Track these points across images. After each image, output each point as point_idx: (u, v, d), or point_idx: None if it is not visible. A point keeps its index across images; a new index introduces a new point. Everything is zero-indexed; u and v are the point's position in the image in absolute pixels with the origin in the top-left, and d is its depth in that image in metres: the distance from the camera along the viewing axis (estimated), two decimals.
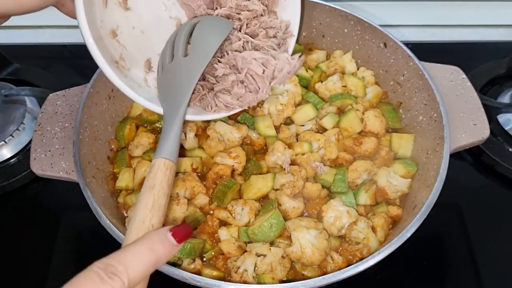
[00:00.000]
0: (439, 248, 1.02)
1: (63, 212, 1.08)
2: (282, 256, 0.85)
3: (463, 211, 1.07)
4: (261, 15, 0.87)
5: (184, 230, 0.52)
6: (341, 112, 1.06)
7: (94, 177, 0.90)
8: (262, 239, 0.86)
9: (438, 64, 1.03)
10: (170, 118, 0.72)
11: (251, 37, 0.84)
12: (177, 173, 0.97)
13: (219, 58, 0.82)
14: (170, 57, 0.77)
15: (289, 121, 1.05)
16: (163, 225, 0.56)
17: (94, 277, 0.42)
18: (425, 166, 0.94)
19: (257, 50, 0.83)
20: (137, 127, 1.06)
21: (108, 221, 0.79)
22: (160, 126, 1.05)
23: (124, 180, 0.95)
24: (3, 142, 1.12)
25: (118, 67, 0.78)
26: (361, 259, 0.80)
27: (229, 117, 0.99)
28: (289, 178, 0.92)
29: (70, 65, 1.38)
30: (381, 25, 1.06)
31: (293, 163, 0.96)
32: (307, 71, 1.13)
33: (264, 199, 0.93)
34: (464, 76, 1.02)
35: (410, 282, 0.99)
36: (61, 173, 0.89)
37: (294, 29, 0.91)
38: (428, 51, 1.36)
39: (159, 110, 0.77)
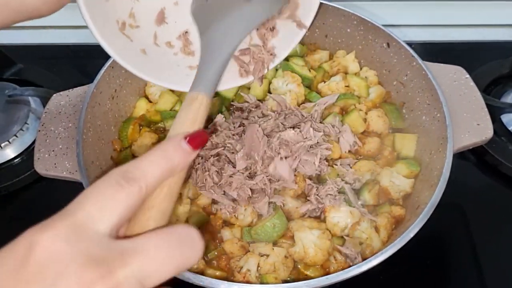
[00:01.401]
0: (442, 248, 1.02)
1: None
2: (285, 256, 0.85)
3: (466, 211, 1.07)
4: None
5: (200, 137, 0.51)
6: (344, 112, 1.06)
7: (97, 177, 0.89)
8: (265, 239, 0.86)
9: (441, 64, 1.03)
10: (215, 49, 0.65)
11: None
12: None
13: None
14: None
15: None
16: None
17: (113, 182, 0.42)
18: (428, 166, 0.94)
19: None
20: (140, 127, 1.06)
21: None
22: (163, 126, 1.05)
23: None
24: (7, 142, 1.12)
25: (124, 32, 0.72)
26: (364, 259, 0.80)
27: None
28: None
29: (73, 65, 1.38)
30: (384, 25, 1.06)
31: None
32: (309, 71, 1.13)
33: None
34: (468, 76, 1.01)
35: (413, 282, 0.99)
36: (64, 173, 0.89)
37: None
38: (431, 51, 1.36)
39: (172, 86, 0.71)
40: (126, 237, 0.43)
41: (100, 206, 0.40)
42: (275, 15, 0.78)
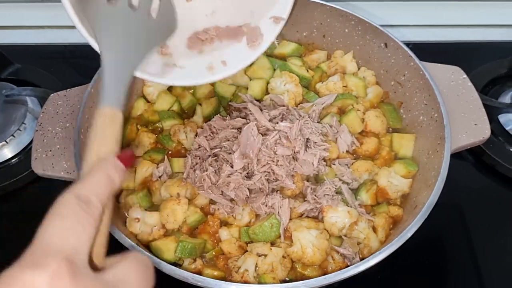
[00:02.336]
0: (440, 248, 1.02)
1: None
2: (283, 256, 0.85)
3: (464, 211, 1.07)
4: None
5: (131, 156, 0.55)
6: (342, 112, 1.06)
7: None
8: (263, 239, 0.86)
9: (439, 64, 1.03)
10: (118, 63, 0.65)
11: None
12: (178, 173, 0.97)
13: None
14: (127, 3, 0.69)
15: None
16: None
17: (76, 209, 0.44)
18: (426, 166, 0.94)
19: None
20: (138, 127, 1.06)
21: None
22: (161, 126, 1.05)
23: (125, 180, 0.95)
24: (4, 142, 1.12)
25: None
26: (362, 259, 0.80)
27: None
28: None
29: (71, 65, 1.38)
30: (382, 25, 1.06)
31: None
32: (307, 71, 1.13)
33: None
34: (465, 76, 1.02)
35: (411, 282, 0.99)
36: (62, 173, 0.89)
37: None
38: (429, 51, 1.35)
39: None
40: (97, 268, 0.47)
41: (77, 235, 0.43)
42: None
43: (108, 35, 0.66)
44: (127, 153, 0.56)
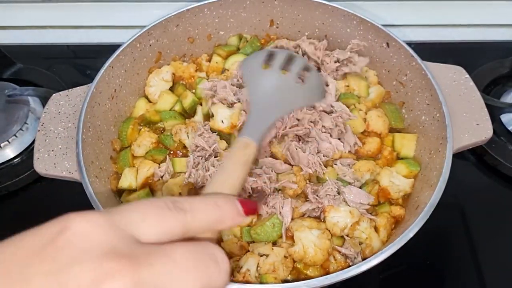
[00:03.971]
0: (442, 248, 1.02)
1: (66, 212, 1.08)
2: (285, 256, 0.85)
3: (466, 211, 1.07)
4: None
5: (252, 204, 0.50)
6: None
7: (97, 177, 0.90)
8: (264, 239, 0.86)
9: (441, 64, 1.03)
10: (264, 110, 0.75)
11: None
12: (179, 173, 0.97)
13: None
14: (279, 68, 0.83)
15: None
16: None
17: (161, 203, 0.41)
18: (427, 166, 0.94)
19: None
20: (140, 127, 1.06)
21: None
22: (162, 126, 1.05)
23: (127, 180, 0.96)
24: (6, 142, 1.12)
25: None
26: (364, 259, 0.80)
27: None
28: (291, 179, 0.92)
29: (73, 65, 1.38)
30: (384, 25, 1.06)
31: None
32: None
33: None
34: (467, 76, 1.01)
35: (412, 281, 0.99)
36: (64, 173, 0.89)
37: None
38: (431, 51, 1.35)
39: None
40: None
41: (142, 217, 0.39)
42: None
43: (258, 88, 0.78)
44: (252, 202, 0.52)
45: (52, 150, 0.91)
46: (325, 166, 0.96)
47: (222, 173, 0.59)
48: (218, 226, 0.46)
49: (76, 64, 1.39)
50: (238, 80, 1.07)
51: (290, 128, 0.94)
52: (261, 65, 0.81)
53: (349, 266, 0.81)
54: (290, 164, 0.95)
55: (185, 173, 0.95)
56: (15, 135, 1.13)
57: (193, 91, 1.11)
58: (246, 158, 0.62)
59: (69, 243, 0.35)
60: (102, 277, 0.33)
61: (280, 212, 0.88)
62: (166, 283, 0.35)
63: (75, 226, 0.36)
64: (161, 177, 0.96)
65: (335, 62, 1.08)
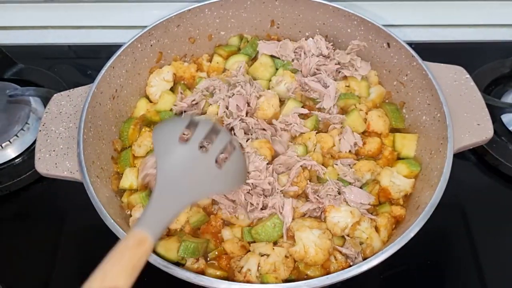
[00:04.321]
0: (443, 248, 1.02)
1: (67, 212, 1.08)
2: (286, 256, 0.85)
3: (467, 211, 1.07)
4: None
5: None
6: (344, 112, 1.06)
7: (98, 177, 0.90)
8: (265, 238, 0.86)
9: (442, 64, 1.03)
10: (173, 196, 0.64)
11: None
12: None
13: None
14: (198, 144, 0.70)
15: None
16: None
17: None
18: (428, 166, 0.94)
19: None
20: (141, 127, 1.06)
21: (112, 221, 0.79)
22: None
23: (128, 180, 0.96)
24: (8, 142, 1.12)
25: None
26: (365, 259, 0.80)
27: None
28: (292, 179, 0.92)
29: (74, 65, 1.39)
30: (384, 25, 1.06)
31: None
32: None
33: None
34: (468, 76, 1.01)
35: (413, 281, 0.99)
36: (65, 172, 0.89)
37: None
38: (432, 51, 1.35)
39: None
40: None
41: None
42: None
43: (167, 166, 0.65)
44: None
45: (53, 150, 0.92)
46: (325, 166, 0.96)
47: (100, 271, 0.51)
48: None
49: (77, 64, 1.39)
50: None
51: None
52: (177, 136, 0.68)
53: (350, 266, 0.81)
54: None
55: None
56: (16, 135, 1.13)
57: (192, 90, 1.11)
58: (136, 260, 0.53)
59: None
60: None
61: (281, 212, 0.88)
62: None
63: None
64: None
65: (335, 64, 1.08)
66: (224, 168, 0.69)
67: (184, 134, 0.69)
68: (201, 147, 0.69)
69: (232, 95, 1.02)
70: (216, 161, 0.69)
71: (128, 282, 0.50)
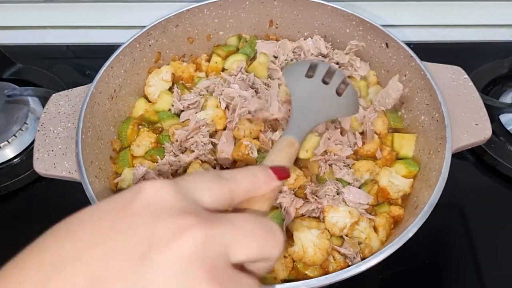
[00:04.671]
0: (441, 248, 1.03)
1: (66, 212, 1.06)
2: (284, 256, 0.85)
3: (465, 211, 1.07)
4: None
5: (283, 169, 0.57)
6: None
7: (97, 177, 0.90)
8: None
9: (440, 64, 1.03)
10: (305, 115, 0.76)
11: None
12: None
13: None
14: (321, 78, 0.83)
15: None
16: None
17: (212, 175, 0.46)
18: (427, 166, 0.94)
19: None
20: (140, 127, 1.06)
21: None
22: (161, 126, 1.05)
23: (127, 180, 0.96)
24: (6, 142, 1.12)
25: None
26: (363, 258, 0.80)
27: None
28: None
29: (72, 65, 1.39)
30: (383, 25, 1.06)
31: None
32: None
33: None
34: (466, 76, 1.02)
35: (412, 281, 0.99)
36: (64, 173, 0.89)
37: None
38: (430, 51, 1.35)
39: None
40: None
41: (200, 186, 0.44)
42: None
43: (300, 93, 0.80)
44: (283, 167, 0.58)
45: (52, 150, 0.91)
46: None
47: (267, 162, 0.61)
48: (257, 192, 0.51)
49: (76, 64, 1.39)
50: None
51: None
52: (303, 73, 0.83)
53: (348, 266, 0.81)
54: None
55: None
56: (14, 135, 1.13)
57: (191, 90, 1.11)
58: (291, 156, 0.64)
59: (147, 203, 0.39)
60: (180, 230, 0.37)
61: (285, 209, 0.88)
62: (230, 244, 0.39)
63: (149, 190, 0.40)
64: None
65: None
66: (342, 97, 0.83)
67: (309, 73, 0.84)
68: (323, 82, 0.83)
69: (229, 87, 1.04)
70: (336, 92, 0.82)
71: (288, 165, 0.61)
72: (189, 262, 0.36)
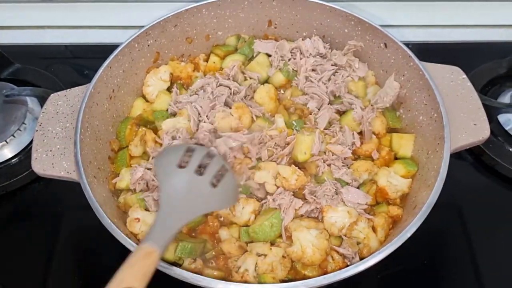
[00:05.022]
0: (439, 248, 1.03)
1: (64, 212, 1.08)
2: (283, 256, 0.85)
3: (463, 211, 1.08)
4: None
5: None
6: (341, 112, 1.06)
7: (95, 177, 0.90)
8: (262, 238, 0.86)
9: (438, 64, 1.03)
10: (171, 214, 0.74)
11: None
12: None
13: None
14: (194, 169, 0.80)
15: None
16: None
17: None
18: (425, 166, 0.94)
19: None
20: (138, 127, 1.06)
21: (109, 221, 0.79)
22: (159, 126, 1.05)
23: (125, 180, 0.95)
24: (4, 142, 1.12)
25: None
26: (362, 258, 0.80)
27: None
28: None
29: (71, 65, 1.38)
30: (381, 25, 1.06)
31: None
32: None
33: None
34: (465, 76, 1.02)
35: (410, 281, 0.99)
36: (62, 173, 0.89)
37: None
38: (429, 51, 1.36)
39: None
40: None
41: None
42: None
43: (169, 189, 0.77)
44: None
45: (50, 150, 0.91)
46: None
47: (117, 278, 0.60)
48: None
49: (74, 64, 1.39)
50: (229, 78, 1.07)
51: None
52: (176, 162, 0.80)
53: (347, 266, 0.82)
54: None
55: None
56: (13, 135, 1.13)
57: (188, 90, 1.11)
58: (145, 270, 0.63)
59: None
60: None
61: (284, 210, 0.88)
62: None
63: None
64: None
65: (331, 65, 1.08)
66: (218, 188, 0.80)
67: (183, 161, 0.81)
68: (197, 171, 0.80)
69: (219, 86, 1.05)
70: (213, 181, 0.80)
71: (142, 284, 0.60)
72: None
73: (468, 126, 0.94)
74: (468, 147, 0.94)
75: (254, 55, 1.15)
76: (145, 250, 0.64)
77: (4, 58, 1.31)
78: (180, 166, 0.80)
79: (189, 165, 0.80)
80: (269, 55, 1.14)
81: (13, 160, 1.13)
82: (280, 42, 1.14)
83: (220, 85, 1.05)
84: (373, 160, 0.99)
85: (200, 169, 0.80)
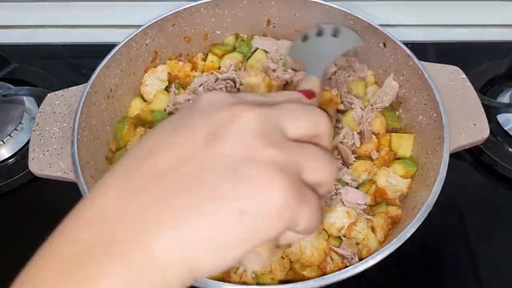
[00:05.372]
0: (439, 248, 1.02)
1: (61, 213, 1.06)
2: (282, 257, 0.85)
3: (463, 211, 1.07)
4: None
5: (310, 91, 0.59)
6: (340, 112, 1.06)
7: (92, 178, 0.90)
8: None
9: (438, 64, 1.03)
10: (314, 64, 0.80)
11: None
12: None
13: None
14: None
15: None
16: None
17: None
18: (424, 166, 0.94)
19: None
20: (136, 127, 1.05)
21: None
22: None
23: None
24: (1, 142, 1.11)
25: None
26: (361, 259, 0.80)
27: None
28: None
29: (68, 64, 1.38)
30: (380, 25, 1.06)
31: None
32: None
33: None
34: (464, 76, 1.01)
35: (409, 282, 0.99)
36: (59, 173, 0.88)
37: None
38: (428, 51, 1.36)
39: None
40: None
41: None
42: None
43: (303, 51, 0.88)
44: (309, 91, 0.61)
45: (47, 150, 0.91)
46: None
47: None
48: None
49: (72, 63, 1.38)
50: (228, 77, 1.07)
51: None
52: (300, 41, 0.90)
53: (346, 266, 0.81)
54: None
55: None
56: (9, 135, 1.12)
57: (186, 89, 1.10)
58: (312, 86, 0.68)
59: (207, 101, 0.43)
60: (238, 111, 0.40)
61: None
62: (284, 119, 0.42)
63: (205, 96, 0.43)
64: None
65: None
66: (339, 37, 0.90)
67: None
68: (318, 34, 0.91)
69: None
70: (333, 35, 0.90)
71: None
72: (247, 134, 0.39)
73: (468, 126, 0.94)
74: (467, 147, 0.94)
75: (251, 53, 1.14)
76: (311, 79, 0.70)
77: (1, 58, 1.30)
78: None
79: (309, 35, 0.90)
80: (266, 52, 1.13)
81: (9, 160, 1.12)
82: (281, 41, 1.13)
83: (217, 79, 1.05)
84: (372, 160, 0.99)
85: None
